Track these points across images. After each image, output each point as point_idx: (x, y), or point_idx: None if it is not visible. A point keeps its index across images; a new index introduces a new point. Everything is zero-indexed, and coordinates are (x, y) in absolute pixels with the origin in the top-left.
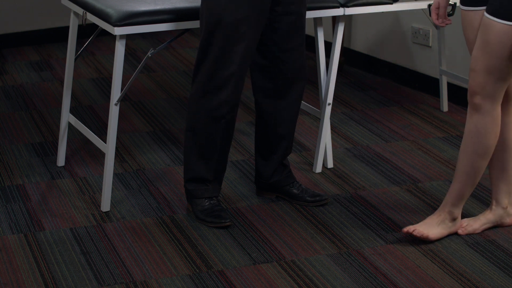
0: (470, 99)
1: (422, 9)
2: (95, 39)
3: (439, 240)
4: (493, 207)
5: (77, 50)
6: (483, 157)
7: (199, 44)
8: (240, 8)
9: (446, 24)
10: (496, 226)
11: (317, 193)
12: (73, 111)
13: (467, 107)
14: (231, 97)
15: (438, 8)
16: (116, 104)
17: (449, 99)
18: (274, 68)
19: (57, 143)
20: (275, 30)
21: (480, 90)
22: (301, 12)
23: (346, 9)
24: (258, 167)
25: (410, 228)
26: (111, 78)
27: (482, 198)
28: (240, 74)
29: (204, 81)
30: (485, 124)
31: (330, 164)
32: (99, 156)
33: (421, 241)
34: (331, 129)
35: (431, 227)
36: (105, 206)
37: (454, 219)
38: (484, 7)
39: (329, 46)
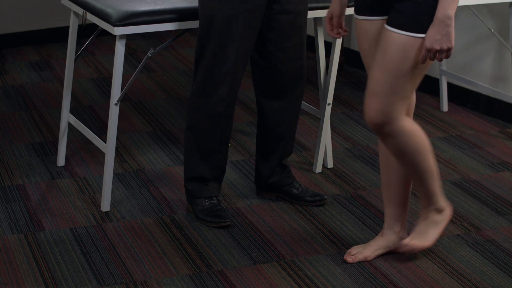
0: (374, 129)
1: None
2: (95, 39)
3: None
4: (385, 231)
5: (77, 50)
6: (422, 159)
7: (196, 42)
8: (233, 4)
9: (342, 36)
10: (391, 252)
11: (317, 193)
12: (73, 111)
13: (467, 107)
14: (228, 94)
15: (331, 18)
16: (116, 104)
17: (449, 99)
18: (273, 68)
19: (57, 143)
20: (273, 29)
21: (383, 117)
22: (300, 11)
23: (347, 9)
24: (258, 167)
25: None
26: (111, 78)
27: (497, 208)
28: (236, 72)
29: (202, 79)
30: (406, 140)
31: (330, 164)
32: (99, 156)
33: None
34: (331, 129)
35: (425, 235)
36: (105, 206)
37: (441, 212)
38: (381, 17)
39: (329, 46)
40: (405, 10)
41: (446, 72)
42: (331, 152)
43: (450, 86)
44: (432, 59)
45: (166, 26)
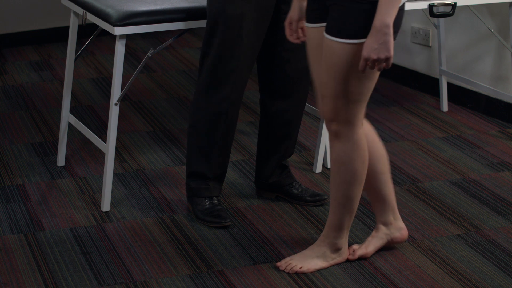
0: (326, 126)
1: (422, 9)
2: (95, 39)
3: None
4: (378, 225)
5: (77, 50)
6: (354, 185)
7: (203, 40)
8: (242, 3)
9: (302, 41)
10: (388, 247)
11: (317, 193)
12: (73, 111)
13: (467, 107)
14: (232, 93)
15: (291, 23)
16: (116, 104)
17: (449, 99)
18: (278, 68)
19: (57, 143)
20: (280, 29)
21: (334, 117)
22: None
23: None
24: (258, 167)
25: (282, 263)
26: (111, 78)
27: (497, 208)
28: (242, 71)
29: (207, 77)
30: (348, 151)
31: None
32: (99, 156)
33: (421, 241)
34: None
35: (309, 259)
36: (105, 206)
37: (337, 250)
38: (323, 24)
39: None
40: (336, 16)
41: (446, 72)
42: None
43: (450, 86)
44: (372, 68)
45: (166, 26)
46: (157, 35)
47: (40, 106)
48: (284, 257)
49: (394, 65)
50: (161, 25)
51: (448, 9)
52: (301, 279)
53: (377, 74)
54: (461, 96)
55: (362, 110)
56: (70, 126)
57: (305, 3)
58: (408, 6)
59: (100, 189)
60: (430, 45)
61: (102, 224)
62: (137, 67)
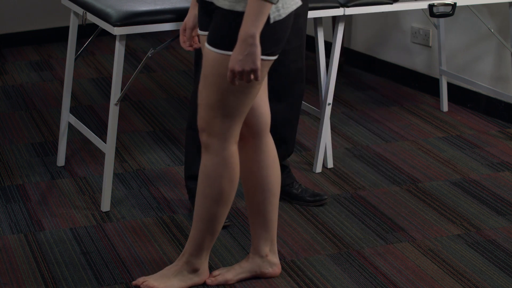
0: (199, 136)
1: (422, 9)
2: (95, 39)
3: (443, 242)
4: (251, 255)
5: (77, 50)
6: (218, 203)
7: None
8: None
9: (195, 48)
10: (256, 277)
11: (317, 193)
12: (73, 111)
13: (467, 107)
14: None
15: (185, 30)
16: (116, 104)
17: (449, 99)
18: (272, 70)
19: (57, 143)
20: None
21: (206, 127)
22: (299, 13)
23: (346, 9)
24: None
25: (139, 281)
26: (111, 78)
27: (497, 208)
28: None
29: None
30: (215, 166)
31: (330, 164)
32: (99, 156)
33: (421, 241)
34: (331, 129)
35: (166, 279)
36: (105, 206)
37: (194, 271)
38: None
39: (329, 46)
40: (213, 25)
41: (446, 72)
42: (331, 152)
43: (450, 86)
44: (241, 80)
45: (166, 26)
46: (157, 35)
47: (40, 106)
48: (284, 257)
49: (394, 65)
50: (161, 25)
51: (448, 9)
52: (301, 279)
53: (254, 90)
54: (461, 96)
55: (237, 126)
56: (70, 126)
57: None
58: (408, 6)
59: (100, 189)
60: (430, 45)
61: (102, 224)
62: (137, 67)
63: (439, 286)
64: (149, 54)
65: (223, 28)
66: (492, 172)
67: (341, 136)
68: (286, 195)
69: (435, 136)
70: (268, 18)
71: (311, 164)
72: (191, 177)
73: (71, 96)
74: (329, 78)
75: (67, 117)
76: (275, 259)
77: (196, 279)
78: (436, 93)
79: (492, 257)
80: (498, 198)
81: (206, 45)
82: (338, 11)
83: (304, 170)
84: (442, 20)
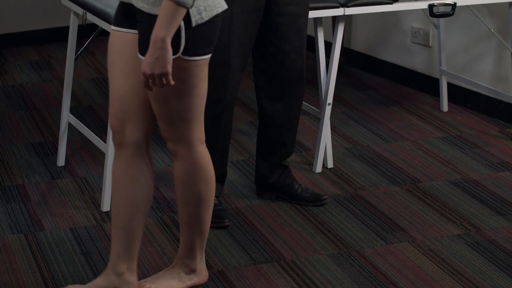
0: (167, 145)
1: (422, 9)
2: (95, 39)
3: (443, 241)
4: (107, 271)
5: (77, 50)
6: (199, 206)
7: None
8: (230, 6)
9: None
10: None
11: (317, 193)
12: (73, 111)
13: (467, 107)
14: (226, 95)
15: None
16: None
17: (449, 99)
18: (273, 70)
19: (57, 143)
20: (273, 31)
21: (169, 136)
22: (300, 13)
23: (346, 9)
24: (258, 167)
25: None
26: None
27: (497, 208)
28: (234, 74)
29: None
30: (187, 171)
31: (330, 164)
32: (99, 156)
33: (421, 241)
34: (331, 129)
35: (162, 281)
36: (105, 206)
37: (192, 271)
38: (128, 30)
39: (329, 46)
40: (140, 34)
41: (446, 72)
42: (331, 152)
43: (450, 86)
44: (154, 84)
45: None
46: None
47: (40, 106)
48: (284, 257)
49: (394, 65)
50: None
51: (448, 9)
52: (301, 279)
53: (201, 90)
54: (461, 96)
55: (197, 128)
56: (70, 126)
57: None
58: (408, 6)
59: (100, 189)
60: (430, 45)
61: (102, 224)
62: None
63: (439, 286)
64: None
65: (147, 37)
66: (492, 172)
67: (341, 136)
68: (286, 195)
69: (435, 136)
70: (190, 22)
71: (311, 164)
72: None
73: (71, 96)
74: (329, 78)
75: (67, 117)
76: (132, 277)
77: (195, 279)
78: (436, 93)
79: (492, 257)
80: (498, 198)
81: (140, 56)
82: (338, 11)
83: (304, 170)
84: (442, 20)
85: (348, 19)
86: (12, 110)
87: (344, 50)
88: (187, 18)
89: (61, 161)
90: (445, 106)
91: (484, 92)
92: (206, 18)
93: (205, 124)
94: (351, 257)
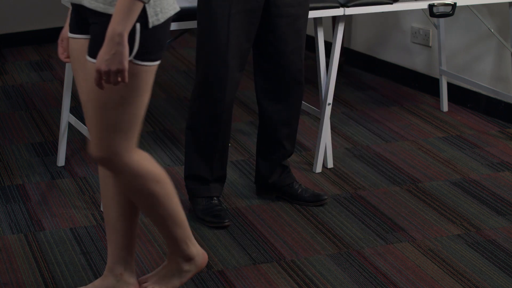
0: (99, 163)
1: (422, 9)
2: None
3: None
4: (106, 273)
5: None
6: (162, 205)
7: (196, 44)
8: (228, 7)
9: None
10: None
11: (317, 193)
12: (73, 111)
13: (467, 107)
14: (225, 95)
15: (62, 40)
16: None
17: (449, 99)
18: (271, 70)
19: (57, 143)
20: (271, 32)
21: (106, 154)
22: (299, 14)
23: (346, 9)
24: (258, 167)
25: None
26: None
27: (497, 208)
28: (232, 73)
29: (199, 81)
30: (133, 182)
31: (330, 164)
32: None
33: (421, 241)
34: (331, 129)
35: (167, 280)
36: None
37: (188, 260)
38: (82, 36)
39: (329, 46)
40: (92, 36)
41: (446, 72)
42: (331, 152)
43: (450, 86)
44: (108, 82)
45: None
46: None
47: (40, 106)
48: (284, 257)
49: (394, 65)
50: None
51: (448, 9)
52: (301, 279)
53: (144, 99)
54: (461, 96)
55: (134, 136)
56: (70, 126)
57: None
58: (408, 6)
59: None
60: (430, 45)
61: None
62: None
63: (439, 286)
64: None
65: (102, 38)
66: (492, 172)
67: (341, 136)
68: (286, 195)
69: (435, 136)
70: (147, 23)
71: (311, 164)
72: (190, 177)
73: (71, 96)
74: (329, 78)
75: (67, 117)
76: (131, 279)
77: (193, 267)
78: (436, 93)
79: (492, 257)
80: (498, 198)
81: (88, 57)
82: (338, 11)
83: (304, 170)
84: (442, 20)
85: (348, 19)
86: (12, 110)
87: (344, 50)
88: (144, 20)
89: (61, 161)
90: (445, 106)
91: (484, 92)
92: (162, 20)
93: (205, 125)
94: (351, 257)
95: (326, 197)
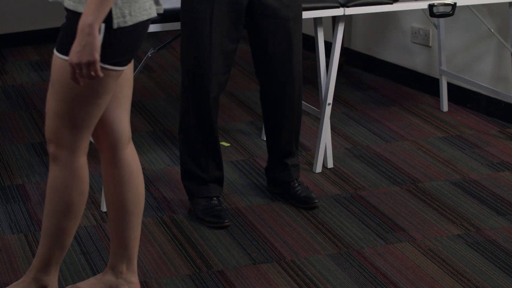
0: (47, 147)
1: (422, 9)
2: None
3: (442, 241)
4: (107, 269)
5: None
6: (66, 216)
7: (180, 48)
8: (210, 7)
9: None
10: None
11: (309, 196)
12: None
13: (467, 107)
14: (211, 97)
15: None
16: None
17: (449, 99)
18: (266, 72)
19: None
20: (257, 33)
21: (53, 138)
22: (288, 16)
23: (346, 9)
24: (268, 160)
25: None
26: None
27: (497, 208)
28: (216, 75)
29: (185, 84)
30: (64, 178)
31: (330, 164)
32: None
33: (421, 241)
34: (331, 129)
35: None
36: (105, 206)
37: (43, 287)
38: None
39: (329, 46)
40: (60, 30)
41: (446, 72)
42: (331, 152)
43: (450, 86)
44: (81, 76)
45: (166, 26)
46: (157, 35)
47: (40, 106)
48: (284, 257)
49: (394, 65)
50: (161, 25)
51: (448, 9)
52: (301, 278)
53: (102, 100)
54: (461, 96)
55: (85, 137)
56: None
57: None
58: (408, 6)
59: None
60: (430, 45)
61: (102, 224)
62: (137, 67)
63: (439, 286)
64: (149, 54)
65: (70, 33)
66: (492, 172)
67: (341, 136)
68: (285, 193)
69: (435, 136)
70: (111, 23)
71: (311, 164)
72: (190, 177)
73: None
74: (329, 78)
75: None
76: (132, 278)
77: None
78: (436, 93)
79: (492, 257)
80: (498, 198)
81: (54, 51)
82: (338, 11)
83: (304, 170)
84: (442, 20)
85: (348, 19)
86: (12, 110)
87: (344, 50)
88: (109, 20)
89: None
90: (445, 106)
91: (484, 92)
92: (129, 23)
93: (193, 127)
94: (351, 257)
95: (317, 201)
